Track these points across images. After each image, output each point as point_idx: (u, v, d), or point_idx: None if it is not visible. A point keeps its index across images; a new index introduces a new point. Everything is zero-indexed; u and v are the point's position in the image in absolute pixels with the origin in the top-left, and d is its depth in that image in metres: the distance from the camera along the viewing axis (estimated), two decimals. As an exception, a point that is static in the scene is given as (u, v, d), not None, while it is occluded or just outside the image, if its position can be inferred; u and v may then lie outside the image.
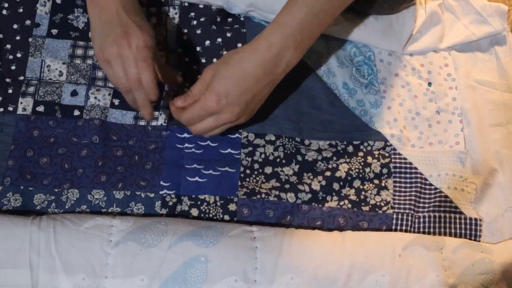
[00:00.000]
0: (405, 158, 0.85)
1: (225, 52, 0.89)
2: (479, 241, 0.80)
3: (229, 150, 0.83)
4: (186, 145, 0.82)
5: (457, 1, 0.97)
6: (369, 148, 0.85)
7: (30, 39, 0.88)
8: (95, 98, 0.84)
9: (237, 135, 0.84)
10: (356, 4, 0.81)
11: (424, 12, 0.94)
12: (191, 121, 0.77)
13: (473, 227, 0.81)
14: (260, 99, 0.78)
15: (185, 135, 0.83)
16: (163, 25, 0.91)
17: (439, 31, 0.94)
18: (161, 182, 0.79)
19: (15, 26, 0.89)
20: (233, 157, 0.82)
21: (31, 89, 0.84)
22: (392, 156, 0.85)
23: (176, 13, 0.92)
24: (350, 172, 0.83)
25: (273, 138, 0.84)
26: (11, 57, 0.87)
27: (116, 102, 0.85)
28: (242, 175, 0.81)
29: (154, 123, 0.84)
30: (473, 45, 0.94)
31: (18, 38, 0.88)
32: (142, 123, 0.84)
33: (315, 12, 0.74)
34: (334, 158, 0.84)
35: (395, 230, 0.80)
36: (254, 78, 0.74)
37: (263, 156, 0.83)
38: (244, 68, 0.74)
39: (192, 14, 0.92)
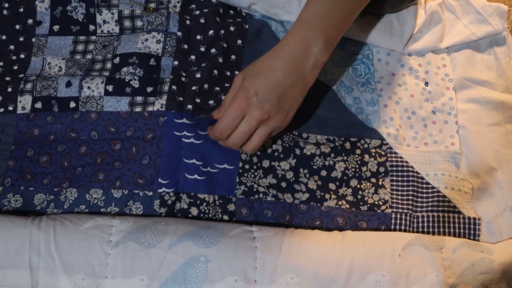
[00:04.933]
0: (401, 157, 0.83)
1: (225, 45, 0.87)
2: (478, 240, 0.78)
3: None
4: (185, 132, 0.79)
5: (457, 0, 0.96)
6: (366, 145, 0.83)
7: (33, 39, 0.86)
8: (89, 88, 0.81)
9: None
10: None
11: (424, 12, 0.93)
12: (225, 129, 0.72)
13: (472, 226, 0.79)
14: (293, 99, 0.73)
15: (184, 120, 0.79)
16: (164, 8, 0.89)
17: (439, 31, 0.92)
18: (160, 180, 0.76)
19: (17, 27, 0.87)
20: (233, 150, 0.79)
21: (29, 86, 0.82)
22: (389, 155, 0.83)
23: (178, 2, 0.89)
24: (347, 171, 0.81)
25: None
26: (14, 57, 0.86)
27: (110, 88, 0.81)
28: (240, 170, 0.78)
29: (150, 108, 0.80)
30: (472, 46, 0.92)
31: (21, 39, 0.87)
32: (137, 109, 0.80)
33: (340, 4, 0.72)
34: (332, 155, 0.81)
35: (394, 230, 0.78)
36: (283, 73, 0.70)
37: (261, 148, 0.80)
38: (272, 65, 0.71)
39: (193, 6, 0.90)
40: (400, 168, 0.82)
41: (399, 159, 0.83)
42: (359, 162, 0.82)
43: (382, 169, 0.82)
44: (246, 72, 0.73)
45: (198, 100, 0.81)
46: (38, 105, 0.81)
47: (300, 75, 0.72)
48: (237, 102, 0.70)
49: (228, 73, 0.86)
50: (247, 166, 0.79)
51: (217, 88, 0.84)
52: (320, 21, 0.71)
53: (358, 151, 0.83)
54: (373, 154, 0.83)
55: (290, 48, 0.71)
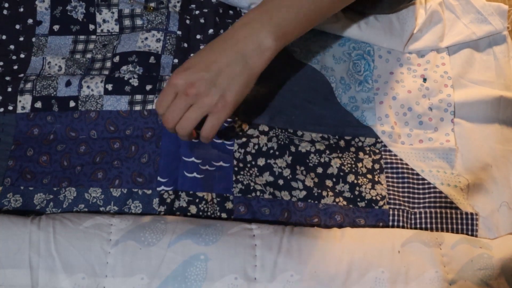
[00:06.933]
0: (395, 155, 0.81)
1: None
2: (476, 235, 0.76)
3: (222, 140, 0.78)
4: None
5: (457, 0, 0.94)
6: (360, 144, 0.81)
7: (33, 39, 0.85)
8: (88, 87, 0.79)
9: (232, 123, 0.79)
10: (357, 3, 0.77)
11: (424, 12, 0.91)
12: (159, 104, 0.68)
13: (470, 221, 0.77)
14: (230, 77, 0.66)
15: None
16: (164, 7, 0.87)
17: (439, 30, 0.90)
18: (159, 178, 0.74)
19: (17, 27, 0.86)
20: (226, 148, 0.77)
21: (29, 85, 0.80)
22: (383, 153, 0.81)
23: (178, 1, 0.88)
24: (343, 167, 0.79)
25: (266, 128, 0.80)
26: (14, 57, 0.84)
27: (110, 87, 0.79)
28: (236, 168, 0.76)
29: (149, 107, 0.78)
30: (471, 45, 0.91)
31: (21, 39, 0.85)
32: (137, 107, 0.78)
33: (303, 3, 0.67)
34: (327, 152, 0.79)
35: (392, 227, 0.76)
36: (220, 49, 0.66)
37: (256, 147, 0.78)
38: (212, 44, 0.67)
39: (193, 6, 0.88)
40: (394, 165, 0.80)
41: (393, 157, 0.81)
42: (354, 159, 0.80)
43: (377, 166, 0.80)
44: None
45: None
46: (38, 104, 0.79)
47: (239, 55, 0.66)
48: (170, 77, 0.67)
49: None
50: (241, 165, 0.77)
51: None
52: (272, 8, 0.67)
53: (352, 149, 0.81)
54: (368, 152, 0.81)
55: (233, 30, 0.67)
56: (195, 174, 0.75)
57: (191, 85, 0.65)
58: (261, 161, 0.78)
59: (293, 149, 0.79)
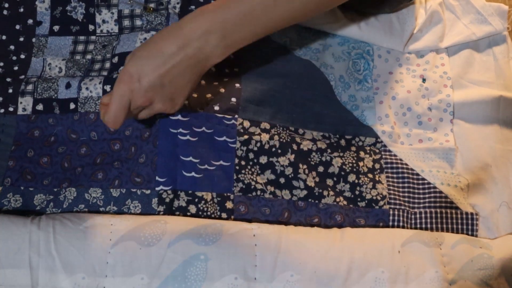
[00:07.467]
0: (395, 155, 0.81)
1: None
2: (476, 235, 0.76)
3: (224, 138, 0.77)
4: (180, 130, 0.76)
5: (458, 0, 0.94)
6: (360, 143, 0.81)
7: (33, 40, 0.85)
8: (87, 89, 0.79)
9: (232, 121, 0.78)
10: (356, 3, 0.77)
11: (424, 12, 0.91)
12: (113, 118, 0.67)
13: (470, 221, 0.77)
14: (180, 87, 0.69)
15: (179, 117, 0.76)
16: (164, 9, 0.87)
17: (439, 30, 0.90)
18: (157, 178, 0.73)
19: (17, 27, 0.86)
20: (228, 146, 0.76)
21: (30, 87, 0.80)
22: (383, 153, 0.81)
23: (178, 3, 0.87)
24: (344, 166, 0.78)
25: (268, 126, 0.79)
26: (14, 58, 0.84)
27: (108, 88, 0.79)
28: (237, 167, 0.76)
29: None
30: (471, 46, 0.90)
31: (21, 39, 0.85)
32: None
33: (251, 7, 0.66)
34: (329, 151, 0.79)
35: (392, 227, 0.76)
36: (172, 61, 0.66)
37: (258, 144, 0.78)
38: (163, 49, 0.66)
39: (193, 7, 0.88)
40: (394, 166, 0.80)
41: (393, 157, 0.81)
42: (355, 158, 0.80)
43: (377, 166, 0.80)
44: (135, 52, 0.68)
45: (195, 95, 0.79)
46: (39, 107, 0.79)
47: (190, 64, 0.67)
48: (121, 87, 0.66)
49: (227, 70, 0.83)
50: (243, 163, 0.76)
51: (216, 83, 0.81)
52: (221, 14, 0.66)
53: (353, 148, 0.81)
54: (368, 151, 0.81)
55: (185, 33, 0.66)
56: (193, 174, 0.74)
57: (147, 100, 0.68)
58: (263, 159, 0.77)
59: (295, 147, 0.79)
